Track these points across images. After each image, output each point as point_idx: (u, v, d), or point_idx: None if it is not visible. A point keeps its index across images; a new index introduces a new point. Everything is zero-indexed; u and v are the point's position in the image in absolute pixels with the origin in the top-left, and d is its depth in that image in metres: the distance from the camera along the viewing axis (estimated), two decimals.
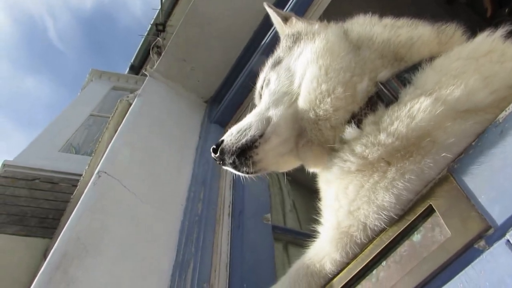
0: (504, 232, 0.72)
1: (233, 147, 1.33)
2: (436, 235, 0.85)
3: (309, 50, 1.32)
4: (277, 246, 2.41)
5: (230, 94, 3.18)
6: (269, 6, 1.81)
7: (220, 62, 3.37)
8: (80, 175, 5.21)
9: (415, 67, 1.11)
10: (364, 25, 1.32)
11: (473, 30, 1.25)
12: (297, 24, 1.59)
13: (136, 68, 9.32)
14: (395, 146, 0.98)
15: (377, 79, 1.15)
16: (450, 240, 0.80)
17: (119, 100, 3.90)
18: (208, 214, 2.34)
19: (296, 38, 1.46)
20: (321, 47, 1.26)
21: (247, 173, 1.36)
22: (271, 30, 2.80)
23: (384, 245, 0.94)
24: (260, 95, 1.52)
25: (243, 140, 1.32)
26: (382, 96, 1.10)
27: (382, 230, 0.96)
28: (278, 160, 1.37)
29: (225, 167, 1.41)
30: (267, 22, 3.00)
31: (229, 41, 3.26)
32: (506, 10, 3.31)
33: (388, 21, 1.33)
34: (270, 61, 1.54)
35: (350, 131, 1.11)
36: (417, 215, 0.89)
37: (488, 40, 1.07)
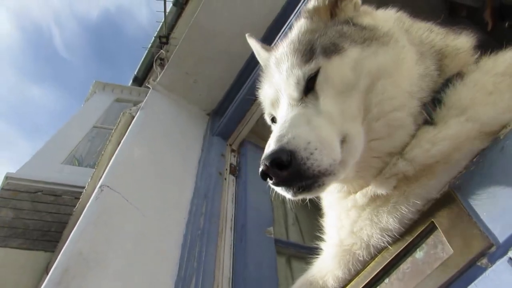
0: (507, 249, 0.72)
1: (314, 170, 0.97)
2: (439, 252, 0.85)
3: (382, 57, 1.11)
4: (279, 260, 2.39)
5: (232, 107, 3.19)
6: None
7: (222, 75, 3.39)
8: (83, 187, 5.20)
9: (446, 84, 1.07)
10: (423, 30, 1.22)
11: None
12: (363, 13, 1.31)
13: (140, 80, 9.37)
14: (407, 173, 0.96)
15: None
16: (453, 257, 0.80)
17: (122, 113, 3.92)
18: (211, 228, 2.33)
19: (368, 36, 1.18)
20: (398, 61, 1.10)
21: (302, 197, 1.06)
22: (273, 44, 2.81)
23: (387, 262, 0.94)
24: (306, 86, 1.15)
25: (327, 164, 0.98)
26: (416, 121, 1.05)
27: (385, 248, 0.96)
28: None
29: (277, 188, 1.05)
30: (269, 36, 3.02)
31: (232, 55, 3.27)
32: (507, 24, 3.31)
33: (435, 27, 1.24)
34: (317, 42, 1.19)
35: None
36: (419, 232, 0.89)
37: None
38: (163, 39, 5.90)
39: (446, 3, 3.89)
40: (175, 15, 5.78)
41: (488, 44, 1.18)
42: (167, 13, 5.87)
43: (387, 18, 1.28)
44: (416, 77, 1.07)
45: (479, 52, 1.18)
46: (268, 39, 2.97)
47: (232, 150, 3.18)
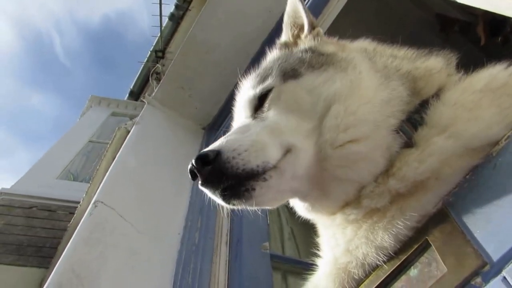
0: (500, 268, 0.71)
1: (238, 168, 0.98)
2: (433, 270, 0.84)
3: (339, 83, 1.13)
4: (275, 276, 2.37)
5: (227, 121, 3.19)
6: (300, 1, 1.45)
7: (217, 89, 3.40)
8: (78, 202, 5.16)
9: (423, 105, 1.06)
10: (386, 56, 1.23)
11: (467, 59, 1.24)
12: (325, 42, 1.38)
13: (136, 94, 9.39)
14: (400, 190, 0.95)
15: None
16: (447, 276, 0.79)
17: (117, 128, 3.92)
18: (206, 243, 2.31)
19: (325, 61, 1.23)
20: (354, 86, 1.11)
21: (234, 205, 1.05)
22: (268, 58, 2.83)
23: (381, 280, 0.93)
24: (259, 104, 1.23)
25: (254, 165, 0.99)
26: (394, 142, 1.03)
27: (379, 266, 0.95)
28: (277, 197, 1.12)
29: (204, 189, 1.06)
30: (264, 50, 3.04)
31: (227, 69, 3.29)
32: (499, 39, 3.36)
33: (402, 52, 1.26)
34: (276, 67, 1.28)
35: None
36: (413, 249, 0.88)
37: (505, 73, 1.04)
38: (159, 54, 5.92)
39: (438, 18, 3.93)
40: (171, 30, 5.81)
41: (478, 60, 1.18)
42: (163, 28, 5.91)
43: (351, 48, 1.34)
44: (378, 104, 1.06)
45: (461, 70, 1.18)
46: (263, 53, 2.98)
47: None
